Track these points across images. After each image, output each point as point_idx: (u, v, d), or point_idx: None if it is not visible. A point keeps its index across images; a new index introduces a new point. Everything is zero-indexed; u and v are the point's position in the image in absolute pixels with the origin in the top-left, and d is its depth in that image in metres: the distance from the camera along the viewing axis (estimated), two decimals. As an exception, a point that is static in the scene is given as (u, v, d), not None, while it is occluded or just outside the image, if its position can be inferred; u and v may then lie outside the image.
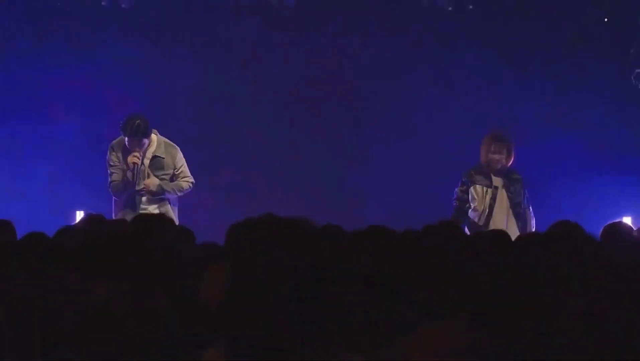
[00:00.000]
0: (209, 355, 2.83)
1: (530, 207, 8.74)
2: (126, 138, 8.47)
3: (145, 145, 8.51)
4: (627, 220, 9.81)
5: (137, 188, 8.50)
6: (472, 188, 8.67)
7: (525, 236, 6.62)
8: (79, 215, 9.56)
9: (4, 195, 10.36)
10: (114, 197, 8.72)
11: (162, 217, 5.21)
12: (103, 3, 10.56)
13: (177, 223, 8.30)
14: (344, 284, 3.15)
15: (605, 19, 10.86)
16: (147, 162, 8.54)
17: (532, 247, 4.35)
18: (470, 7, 10.63)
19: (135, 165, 8.44)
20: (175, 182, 8.62)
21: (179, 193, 8.66)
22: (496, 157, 8.62)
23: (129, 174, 8.50)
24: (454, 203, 8.75)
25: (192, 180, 8.66)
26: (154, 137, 8.61)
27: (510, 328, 2.94)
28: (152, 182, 8.53)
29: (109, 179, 8.64)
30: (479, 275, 3.12)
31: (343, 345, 2.82)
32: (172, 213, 8.55)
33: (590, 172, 10.73)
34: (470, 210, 8.71)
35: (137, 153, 8.46)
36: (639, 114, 11.01)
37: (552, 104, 10.79)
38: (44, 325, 2.73)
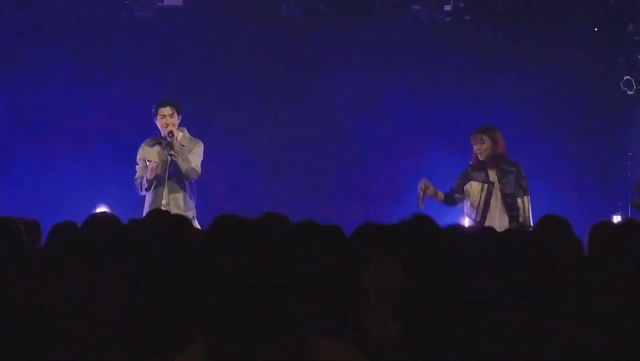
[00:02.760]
0: (185, 354, 2.82)
1: (527, 197, 8.65)
2: (158, 113, 8.89)
3: (176, 118, 8.89)
4: (616, 218, 9.98)
5: (171, 152, 8.82)
6: (468, 185, 8.75)
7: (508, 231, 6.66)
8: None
9: (32, 194, 10.57)
10: (138, 191, 9.01)
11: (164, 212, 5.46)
12: (123, 14, 10.74)
13: (187, 211, 8.77)
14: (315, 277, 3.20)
15: (595, 29, 11.09)
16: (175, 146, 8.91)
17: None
18: (467, 17, 10.89)
19: (170, 133, 8.80)
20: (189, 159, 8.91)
21: (187, 167, 8.81)
22: (476, 147, 8.70)
23: (166, 141, 8.85)
24: (449, 190, 8.84)
25: (199, 170, 8.93)
26: (181, 132, 8.99)
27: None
28: (179, 144, 8.86)
29: (135, 175, 9.03)
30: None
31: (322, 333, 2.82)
32: (189, 198, 8.93)
33: (580, 171, 11.02)
34: (467, 207, 8.78)
35: (169, 122, 8.84)
36: (627, 119, 11.28)
37: (544, 110, 11.02)
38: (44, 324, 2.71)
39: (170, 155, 8.87)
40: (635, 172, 10.71)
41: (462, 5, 10.75)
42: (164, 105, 8.92)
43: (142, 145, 9.05)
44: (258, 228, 3.77)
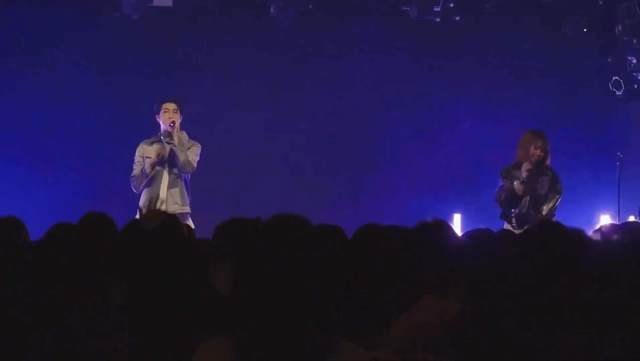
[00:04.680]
0: (207, 346, 2.86)
1: (558, 195, 8.87)
2: (162, 108, 8.95)
3: (178, 115, 8.95)
4: (604, 218, 10.20)
5: (170, 141, 8.89)
6: (515, 183, 8.84)
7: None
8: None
9: (21, 196, 10.49)
10: (135, 190, 9.02)
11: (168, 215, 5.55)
12: (113, 14, 10.73)
13: (183, 206, 8.91)
14: (343, 280, 3.22)
15: (584, 29, 11.14)
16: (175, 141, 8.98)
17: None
18: (457, 18, 10.94)
19: (174, 123, 8.88)
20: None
21: (184, 158, 8.88)
22: (538, 152, 8.83)
23: (166, 132, 8.91)
24: (498, 201, 8.93)
25: (195, 165, 8.99)
26: (183, 135, 9.06)
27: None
28: (179, 136, 8.93)
29: (132, 174, 9.04)
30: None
31: (344, 337, 2.85)
32: (186, 194, 9.00)
33: (569, 172, 10.64)
34: (506, 202, 8.89)
35: (172, 117, 8.91)
36: (614, 119, 11.37)
37: (533, 110, 11.06)
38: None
39: (169, 143, 8.94)
40: (624, 172, 10.74)
41: (451, 5, 10.78)
42: (169, 101, 9.02)
43: (141, 144, 9.13)
44: (262, 231, 3.78)
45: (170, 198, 8.96)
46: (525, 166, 8.80)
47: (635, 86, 11.16)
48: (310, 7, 10.93)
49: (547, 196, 8.85)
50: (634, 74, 11.12)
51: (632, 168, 10.98)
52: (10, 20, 10.71)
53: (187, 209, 8.99)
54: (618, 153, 10.76)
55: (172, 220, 4.84)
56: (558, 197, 8.89)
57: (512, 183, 8.84)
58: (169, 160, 8.98)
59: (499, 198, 8.92)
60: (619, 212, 10.44)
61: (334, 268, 3.12)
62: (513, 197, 8.84)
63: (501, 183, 8.94)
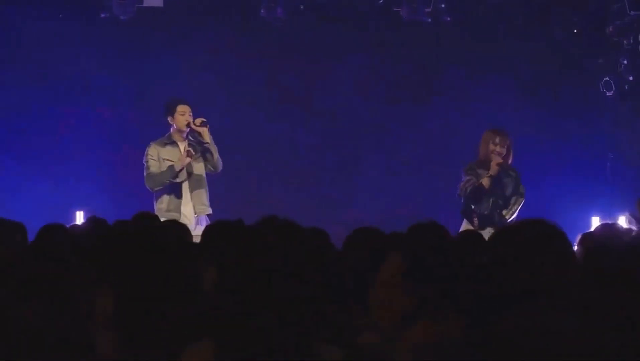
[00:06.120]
0: (193, 350, 2.88)
1: (522, 199, 8.93)
2: (176, 110, 8.82)
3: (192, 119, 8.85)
4: (595, 219, 10.19)
5: (204, 140, 8.80)
6: (481, 182, 8.85)
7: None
8: (79, 215, 9.78)
9: (6, 195, 10.53)
10: (152, 188, 8.86)
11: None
12: (102, 15, 10.72)
13: (208, 207, 8.83)
14: (326, 284, 3.23)
15: (575, 30, 11.18)
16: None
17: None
18: (448, 19, 10.97)
19: (204, 121, 8.79)
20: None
21: (217, 156, 8.84)
22: (498, 149, 8.81)
23: (196, 132, 8.83)
24: (463, 194, 8.90)
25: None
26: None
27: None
28: (208, 134, 8.86)
29: (147, 172, 8.84)
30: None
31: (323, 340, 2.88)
32: (206, 197, 8.91)
33: (560, 173, 11.12)
34: (471, 202, 8.90)
35: (189, 120, 8.80)
36: (605, 120, 11.39)
37: (524, 111, 11.06)
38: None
39: (204, 142, 8.81)
40: (615, 173, 10.77)
41: (443, 6, 10.80)
42: (184, 103, 8.90)
43: (153, 145, 8.90)
44: (250, 233, 3.77)
45: (197, 199, 8.84)
46: (495, 160, 8.80)
47: (626, 87, 11.20)
48: (302, 7, 10.92)
49: (511, 198, 8.89)
50: (625, 74, 11.15)
51: (622, 170, 11.01)
52: (10, 20, 10.69)
53: (210, 210, 8.90)
54: (609, 154, 10.82)
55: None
56: (521, 200, 8.94)
57: (477, 178, 8.83)
58: (191, 163, 8.84)
59: (465, 192, 8.88)
60: (610, 213, 10.47)
61: (317, 271, 3.10)
62: (480, 191, 8.82)
63: (465, 178, 8.92)
